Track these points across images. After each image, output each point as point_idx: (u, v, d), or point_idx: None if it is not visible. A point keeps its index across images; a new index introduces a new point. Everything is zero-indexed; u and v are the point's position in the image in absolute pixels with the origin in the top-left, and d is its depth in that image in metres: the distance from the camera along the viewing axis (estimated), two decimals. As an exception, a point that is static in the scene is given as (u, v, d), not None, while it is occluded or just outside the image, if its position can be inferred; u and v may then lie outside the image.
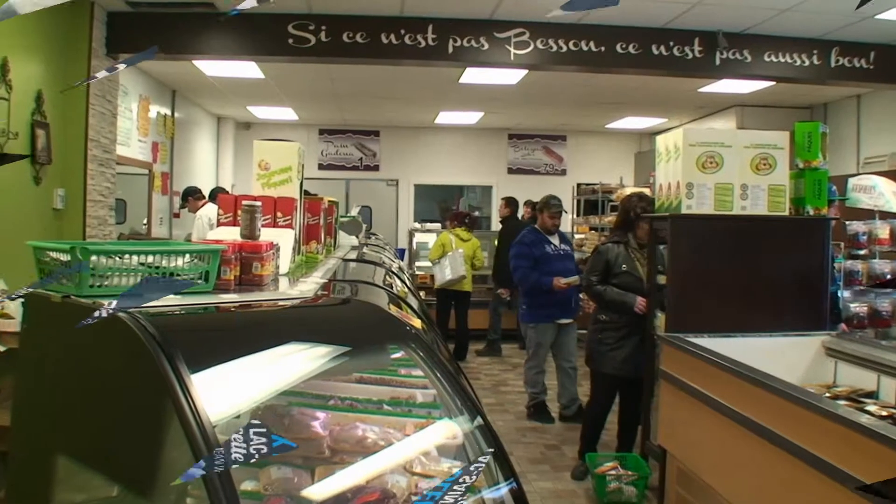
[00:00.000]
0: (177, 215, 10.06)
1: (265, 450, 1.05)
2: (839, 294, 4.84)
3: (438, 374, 2.03)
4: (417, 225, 11.10)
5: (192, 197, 8.38)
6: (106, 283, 1.72)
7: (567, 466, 5.17)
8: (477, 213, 13.74)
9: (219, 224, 2.88)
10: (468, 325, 8.90)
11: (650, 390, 4.55)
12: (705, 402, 3.40)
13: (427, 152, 13.36)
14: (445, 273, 8.48)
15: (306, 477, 1.84)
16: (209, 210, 7.82)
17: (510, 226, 8.97)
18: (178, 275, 1.82)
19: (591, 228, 10.26)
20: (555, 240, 6.41)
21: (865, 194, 4.99)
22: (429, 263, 9.15)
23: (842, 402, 2.96)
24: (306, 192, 3.47)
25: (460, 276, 8.47)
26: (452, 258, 8.47)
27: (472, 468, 1.14)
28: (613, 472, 4.61)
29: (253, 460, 1.02)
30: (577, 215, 11.55)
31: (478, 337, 9.54)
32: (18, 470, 1.83)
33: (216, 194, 6.66)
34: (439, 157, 13.37)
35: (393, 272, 4.09)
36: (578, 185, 12.44)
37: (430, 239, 10.40)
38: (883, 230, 4.99)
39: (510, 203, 9.32)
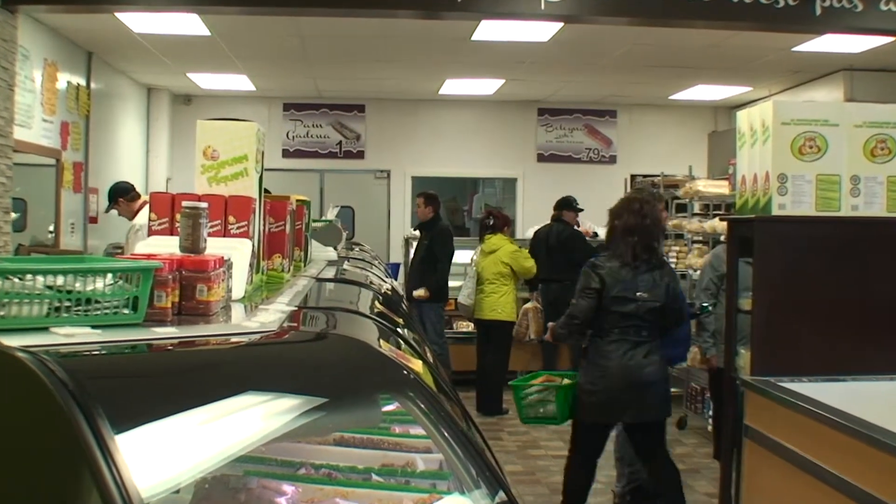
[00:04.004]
0: (93, 220, 10.08)
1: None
2: None
3: (446, 433, 2.04)
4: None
5: (123, 198, 8.06)
6: (1, 312, 1.73)
7: (619, 557, 5.17)
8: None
9: (151, 232, 2.89)
10: (505, 365, 8.90)
11: (731, 451, 4.54)
12: (806, 469, 3.39)
13: (428, 134, 13.40)
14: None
15: (269, 572, 1.85)
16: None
17: (435, 232, 9.32)
18: (97, 301, 1.83)
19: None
20: None
21: None
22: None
23: None
24: (266, 190, 3.48)
25: (463, 304, 8.87)
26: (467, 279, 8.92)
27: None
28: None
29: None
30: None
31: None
32: None
33: None
34: (445, 140, 13.41)
35: (383, 295, 4.10)
36: (633, 176, 12.45)
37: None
38: None
39: (430, 201, 9.47)
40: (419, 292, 9.04)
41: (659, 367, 5.18)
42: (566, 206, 9.76)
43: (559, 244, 9.40)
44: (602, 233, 9.72)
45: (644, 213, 5.25)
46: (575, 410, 5.31)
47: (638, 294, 5.10)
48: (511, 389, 5.58)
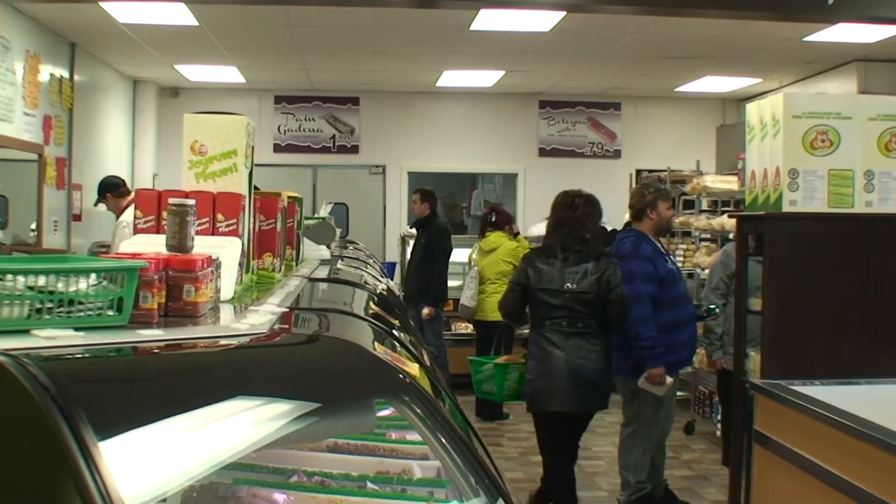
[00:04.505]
0: (77, 217, 10.07)
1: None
2: None
3: (443, 440, 2.03)
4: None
5: (111, 193, 8.09)
6: (-20, 314, 1.73)
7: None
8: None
9: (136, 230, 2.89)
10: None
11: (740, 457, 4.54)
12: (818, 476, 3.38)
13: (425, 128, 13.38)
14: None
15: (260, 584, 1.84)
16: None
17: (433, 230, 9.36)
18: (80, 302, 1.83)
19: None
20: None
21: None
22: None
23: None
24: (255, 187, 3.48)
25: (466, 307, 8.85)
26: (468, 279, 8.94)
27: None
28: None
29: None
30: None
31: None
32: None
33: None
34: (443, 134, 13.39)
35: (378, 296, 4.10)
36: (638, 171, 12.44)
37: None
38: None
39: (427, 197, 9.51)
40: (426, 312, 9.09)
41: (595, 359, 5.29)
42: None
43: None
44: (609, 228, 9.76)
45: (575, 205, 5.46)
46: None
47: (566, 286, 5.27)
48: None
